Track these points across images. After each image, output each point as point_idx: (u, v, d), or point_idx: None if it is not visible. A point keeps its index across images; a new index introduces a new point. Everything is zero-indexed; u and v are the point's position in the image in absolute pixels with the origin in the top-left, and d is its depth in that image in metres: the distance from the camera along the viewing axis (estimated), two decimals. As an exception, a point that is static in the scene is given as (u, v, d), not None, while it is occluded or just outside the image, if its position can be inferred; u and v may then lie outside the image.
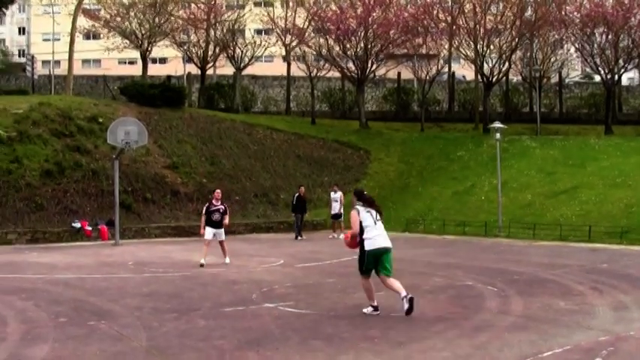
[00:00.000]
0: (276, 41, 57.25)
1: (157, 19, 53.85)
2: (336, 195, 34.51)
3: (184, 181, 38.60)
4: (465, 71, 62.28)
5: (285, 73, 58.51)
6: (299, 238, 32.96)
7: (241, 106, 55.85)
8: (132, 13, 54.09)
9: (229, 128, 46.14)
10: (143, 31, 53.93)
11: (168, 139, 41.87)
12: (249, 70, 59.05)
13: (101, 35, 59.21)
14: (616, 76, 53.13)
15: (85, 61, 79.96)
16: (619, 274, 18.93)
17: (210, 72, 59.70)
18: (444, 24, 53.63)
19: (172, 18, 55.10)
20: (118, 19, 54.33)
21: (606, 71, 52.20)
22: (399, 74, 59.20)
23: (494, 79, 53.38)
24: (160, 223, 35.14)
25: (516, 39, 52.30)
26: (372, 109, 60.01)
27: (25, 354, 10.62)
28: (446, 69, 59.45)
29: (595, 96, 59.73)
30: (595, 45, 52.08)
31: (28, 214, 32.60)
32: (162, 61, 73.64)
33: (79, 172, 35.55)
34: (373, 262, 13.76)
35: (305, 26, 55.13)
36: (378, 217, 13.83)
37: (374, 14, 52.17)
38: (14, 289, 16.94)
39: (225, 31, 56.99)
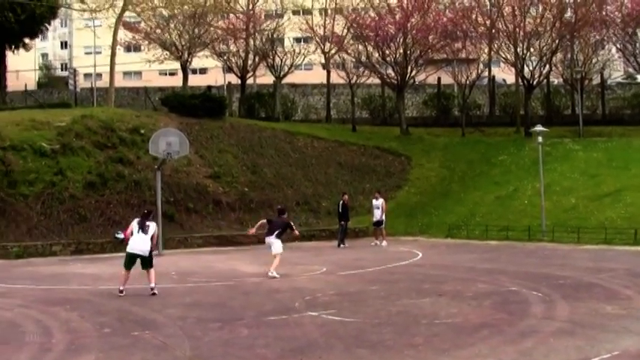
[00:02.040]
0: (316, 49, 57.30)
1: (196, 30, 54.17)
2: (378, 202, 34.41)
3: (226, 191, 38.74)
4: (505, 75, 61.72)
5: (324, 81, 58.53)
6: (342, 245, 32.91)
7: (282, 115, 55.97)
8: (172, 25, 54.49)
9: (270, 137, 46.26)
10: (183, 42, 54.27)
11: (209, 148, 42.07)
12: (288, 79, 59.17)
13: (142, 47, 59.76)
14: (659, 76, 52.47)
15: (127, 74, 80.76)
16: (667, 278, 18.66)
17: (250, 81, 59.87)
18: (482, 28, 53.31)
19: (212, 29, 55.38)
20: (158, 30, 54.76)
21: (649, 71, 51.57)
22: (439, 79, 58.96)
23: (534, 82, 52.87)
24: (203, 232, 35.29)
25: (556, 41, 51.76)
26: (412, 114, 59.82)
27: (71, 365, 10.70)
28: (486, 73, 59.01)
29: (638, 96, 58.96)
30: (637, 44, 51.46)
31: (72, 226, 32.93)
32: (203, 71, 74.09)
33: (121, 183, 35.84)
34: None
35: (344, 33, 55.11)
36: None
37: (412, 20, 51.98)
38: (59, 300, 17.11)
39: (264, 40, 57.17)
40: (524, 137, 49.19)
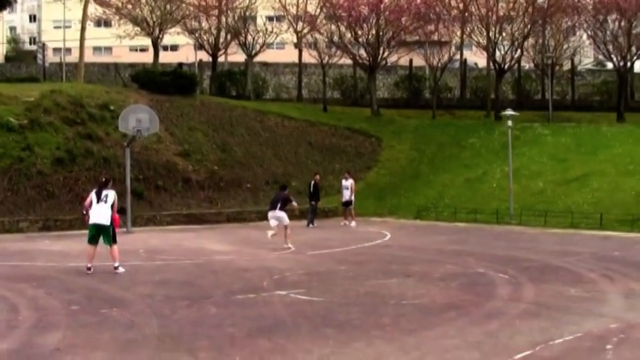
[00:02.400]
0: (288, 28, 57.17)
1: (168, 6, 53.79)
2: (347, 182, 34.43)
3: (196, 169, 38.64)
4: (476, 58, 61.98)
5: (296, 60, 58.46)
6: (311, 225, 32.97)
7: (253, 94, 55.84)
8: (143, 0, 54.05)
9: (241, 115, 46.14)
10: (154, 19, 53.86)
11: (179, 126, 41.91)
12: (260, 57, 58.99)
13: (112, 23, 59.22)
14: (628, 64, 52.93)
15: (97, 49, 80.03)
16: (630, 262, 18.92)
17: (221, 59, 59.60)
18: (455, 11, 53.49)
19: (183, 5, 55.02)
20: (129, 6, 54.28)
21: (619, 58, 52.01)
22: (410, 61, 59.10)
23: (506, 67, 53.22)
24: (172, 210, 35.18)
25: (528, 26, 52.10)
26: (383, 96, 59.92)
27: (37, 342, 10.69)
28: (458, 56, 59.29)
29: (607, 83, 59.54)
30: (608, 32, 51.86)
31: (40, 202, 32.68)
32: (174, 48, 73.67)
33: (90, 159, 35.62)
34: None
35: (317, 13, 55.04)
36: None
37: (386, 1, 52.05)
38: (26, 277, 17.03)
39: (236, 18, 56.90)
40: (494, 121, 49.54)
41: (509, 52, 52.65)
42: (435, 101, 55.04)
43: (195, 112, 44.19)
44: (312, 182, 34.61)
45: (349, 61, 57.04)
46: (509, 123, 34.26)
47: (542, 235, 27.48)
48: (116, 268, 17.74)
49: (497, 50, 52.63)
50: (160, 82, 44.84)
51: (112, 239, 17.85)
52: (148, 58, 60.98)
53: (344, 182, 34.69)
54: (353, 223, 33.13)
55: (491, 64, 54.06)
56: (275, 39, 58.10)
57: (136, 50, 74.61)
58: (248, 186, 39.33)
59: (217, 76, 57.11)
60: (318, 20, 54.88)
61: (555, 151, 40.61)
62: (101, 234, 17.78)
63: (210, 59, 57.63)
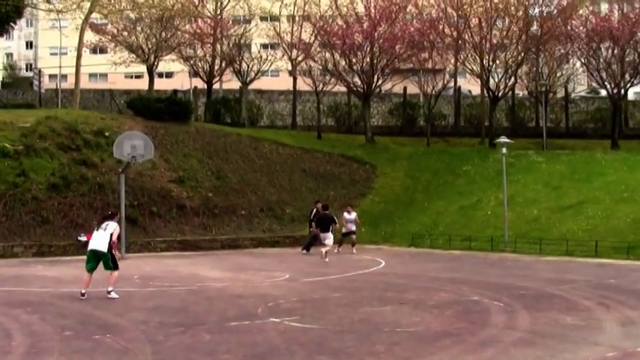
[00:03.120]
0: (282, 56, 57.30)
1: (163, 34, 53.98)
2: (351, 216, 34.06)
3: (190, 195, 38.59)
4: (471, 86, 62.18)
5: (291, 88, 58.52)
6: (304, 252, 32.88)
7: (247, 121, 55.87)
8: (139, 28, 54.24)
9: (235, 142, 46.16)
10: (150, 46, 54.03)
11: (174, 153, 41.90)
12: (255, 85, 59.11)
13: (108, 49, 59.36)
14: (622, 91, 53.09)
15: (92, 75, 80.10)
16: (626, 290, 18.89)
17: (216, 86, 59.72)
18: (449, 39, 53.70)
19: (179, 32, 55.21)
20: (125, 33, 54.45)
21: (612, 86, 52.19)
22: (405, 89, 59.19)
23: (500, 94, 53.39)
24: (166, 237, 35.14)
25: (522, 53, 52.35)
26: (378, 123, 59.98)
27: (31, 368, 10.62)
28: (452, 84, 59.46)
29: (601, 110, 59.67)
30: (601, 59, 52.07)
31: (34, 228, 32.63)
32: (169, 75, 73.75)
33: (85, 185, 35.58)
34: None
35: (311, 41, 55.20)
36: None
37: (380, 29, 52.20)
38: (20, 303, 16.96)
39: (231, 45, 57.09)
40: (488, 148, 49.55)
41: (503, 80, 52.84)
42: (430, 129, 55.14)
43: (189, 138, 44.21)
44: (314, 210, 34.17)
45: (343, 89, 57.12)
46: (504, 150, 34.30)
47: (537, 262, 27.44)
48: (109, 292, 17.77)
49: (490, 78, 52.81)
50: (155, 109, 44.89)
51: (112, 266, 18.00)
52: (143, 84, 61.02)
53: (347, 216, 34.10)
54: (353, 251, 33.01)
55: (485, 91, 54.23)
56: (269, 66, 58.26)
57: (131, 77, 74.74)
58: (242, 213, 39.29)
59: (212, 103, 57.19)
60: (313, 48, 55.04)
61: (549, 178, 40.64)
62: (100, 261, 17.94)
63: (205, 86, 57.75)
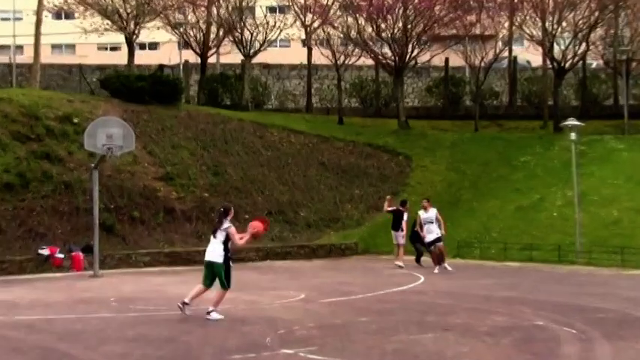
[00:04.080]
0: (294, 21, 57.24)
1: (145, -6, 53.95)
2: (431, 214, 30.87)
3: (181, 196, 38.62)
4: (530, 55, 61.90)
5: (304, 61, 58.50)
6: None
7: (251, 103, 55.85)
8: (114, -14, 54.15)
9: (236, 130, 46.17)
10: (128, 10, 53.80)
11: (160, 143, 41.93)
12: (260, 58, 59.04)
13: (76, 14, 59.36)
14: None
15: (56, 47, 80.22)
16: None
17: (212, 60, 59.75)
18: (503, -4, 53.47)
19: (165, -8, 55.20)
20: (97, -7, 54.42)
21: None
22: (446, 61, 59.05)
23: (567, 65, 52.97)
24: (151, 248, 35.14)
25: (596, 13, 51.82)
26: (413, 104, 59.92)
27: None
28: (505, 53, 59.22)
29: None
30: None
31: (-17, 239, 32.73)
32: (153, 46, 73.86)
33: (48, 185, 35.61)
34: None
35: (329, 2, 55.10)
36: None
37: (415, -14, 52.07)
38: (-35, 334, 16.89)
39: (230, 9, 56.97)
40: (553, 133, 49.31)
41: (571, 47, 52.45)
42: (478, 110, 54.93)
43: (180, 125, 44.24)
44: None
45: (370, 62, 57.08)
46: (573, 136, 34.10)
47: (619, 277, 27.30)
48: (209, 312, 18.57)
49: (555, 44, 52.46)
50: (136, 89, 44.94)
51: (223, 281, 18.80)
52: (120, 58, 61.08)
53: (424, 214, 31.18)
54: (445, 267, 31.98)
55: (548, 62, 53.93)
56: (278, 35, 58.09)
57: (106, 49, 74.87)
58: (246, 217, 39.18)
59: (207, 82, 57.17)
60: (332, 11, 54.96)
61: (633, 170, 40.34)
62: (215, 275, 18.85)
63: (199, 60, 57.70)
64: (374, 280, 27.42)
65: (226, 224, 18.96)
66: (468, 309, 19.91)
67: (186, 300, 18.72)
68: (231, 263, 18.90)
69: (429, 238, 30.47)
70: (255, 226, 19.04)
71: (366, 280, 27.73)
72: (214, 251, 18.82)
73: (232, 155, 43.63)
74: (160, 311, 20.28)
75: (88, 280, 29.07)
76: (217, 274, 18.69)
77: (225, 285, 18.62)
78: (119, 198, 36.71)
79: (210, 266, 18.79)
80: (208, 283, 18.88)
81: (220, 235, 18.83)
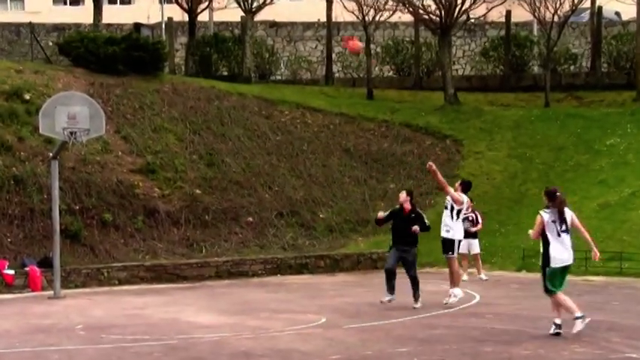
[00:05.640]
0: (309, -35, 57.39)
1: None
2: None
3: (165, 194, 38.72)
4: (619, 5, 61.69)
5: (323, 18, 58.52)
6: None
7: (255, 73, 55.93)
8: None
9: (236, 107, 46.23)
10: (95, -49, 54.09)
11: (138, 126, 42.02)
12: (265, 14, 59.09)
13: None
14: None
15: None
16: None
17: (203, 17, 59.81)
18: None
19: None
20: None
21: None
22: (507, 15, 58.87)
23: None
24: (128, 261, 35.21)
25: None
26: (464, 72, 59.94)
27: None
28: (587, 3, 58.94)
29: None
30: None
31: None
32: (126, 0, 74.03)
33: (-7, 181, 35.78)
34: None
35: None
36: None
37: None
38: None
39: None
40: (649, 108, 49.22)
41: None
42: (550, 79, 54.75)
43: (162, 102, 44.33)
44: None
45: (408, 17, 57.04)
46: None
47: None
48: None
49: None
50: (106, 56, 45.01)
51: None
52: (84, 16, 61.27)
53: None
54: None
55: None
56: (288, -17, 58.25)
57: (65, 3, 75.03)
58: (250, 220, 39.37)
59: (197, 45, 57.24)
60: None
61: None
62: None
63: (186, 18, 57.81)
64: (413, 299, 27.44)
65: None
66: (538, 337, 19.94)
67: (558, 321, 19.72)
68: None
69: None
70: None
71: (405, 299, 27.74)
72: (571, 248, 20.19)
73: (231, 140, 43.67)
74: (141, 341, 20.39)
75: (47, 302, 29.18)
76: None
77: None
78: (86, 197, 36.80)
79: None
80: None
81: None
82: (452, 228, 26.02)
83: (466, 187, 26.82)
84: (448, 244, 25.90)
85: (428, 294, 28.88)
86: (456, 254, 26.28)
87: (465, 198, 26.28)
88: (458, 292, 26.06)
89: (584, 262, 34.09)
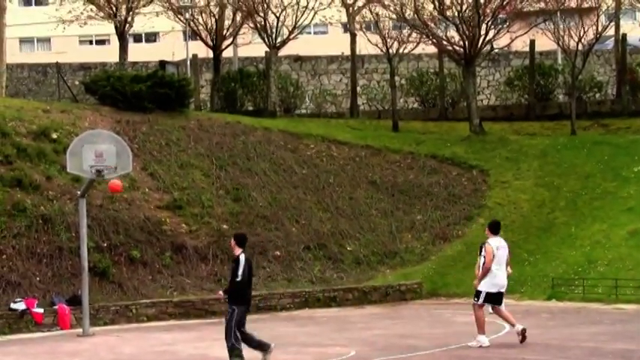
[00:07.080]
0: (332, 0, 57.36)
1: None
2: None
3: (193, 229, 38.73)
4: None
5: (347, 52, 58.57)
6: None
7: (280, 107, 55.97)
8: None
9: (262, 142, 46.28)
10: (119, -9, 54.32)
11: (164, 162, 42.09)
12: (290, 49, 59.21)
13: (49, -1, 59.78)
14: None
15: (26, 41, 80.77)
16: None
17: (228, 53, 59.95)
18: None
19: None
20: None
21: None
22: (532, 44, 58.82)
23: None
24: (156, 297, 35.20)
25: None
26: (489, 102, 59.88)
27: None
28: (611, 31, 58.87)
29: None
30: None
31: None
32: (151, 38, 74.36)
33: (21, 220, 35.70)
34: None
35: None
36: None
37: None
38: None
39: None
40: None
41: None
42: (575, 107, 54.64)
43: (188, 138, 44.40)
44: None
45: (432, 49, 57.04)
46: None
47: None
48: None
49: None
50: (132, 93, 45.11)
51: None
52: (110, 55, 61.49)
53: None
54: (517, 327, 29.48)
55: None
56: (312, 18, 58.24)
57: (90, 42, 75.35)
58: (277, 254, 39.32)
59: (222, 81, 57.35)
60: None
61: None
62: None
63: (211, 54, 57.95)
64: (444, 331, 27.36)
65: None
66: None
67: None
68: None
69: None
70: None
71: (434, 331, 27.69)
72: None
73: (257, 175, 43.72)
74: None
75: (76, 340, 29.17)
76: None
77: None
78: (114, 234, 36.83)
79: None
80: None
81: None
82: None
83: (493, 229, 24.73)
84: (476, 292, 25.14)
85: (458, 325, 28.84)
86: (480, 301, 24.90)
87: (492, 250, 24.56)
88: (483, 340, 24.65)
89: (614, 291, 34.08)
